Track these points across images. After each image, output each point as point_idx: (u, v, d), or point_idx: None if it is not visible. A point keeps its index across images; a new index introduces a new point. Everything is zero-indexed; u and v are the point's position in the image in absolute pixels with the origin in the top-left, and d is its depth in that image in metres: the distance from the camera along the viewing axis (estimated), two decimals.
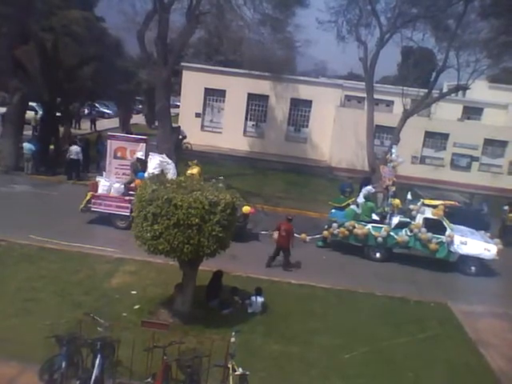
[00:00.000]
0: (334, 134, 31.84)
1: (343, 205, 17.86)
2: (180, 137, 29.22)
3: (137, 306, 11.07)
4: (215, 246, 9.98)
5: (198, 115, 33.88)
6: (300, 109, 33.86)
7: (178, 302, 10.79)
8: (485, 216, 20.11)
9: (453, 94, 29.18)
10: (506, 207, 20.69)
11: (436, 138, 31.91)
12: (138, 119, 44.96)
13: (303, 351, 10.16)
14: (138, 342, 8.08)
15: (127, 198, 16.41)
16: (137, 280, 12.58)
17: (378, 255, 16.72)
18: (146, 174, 15.71)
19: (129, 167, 17.79)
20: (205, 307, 11.26)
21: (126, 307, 10.97)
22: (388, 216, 17.12)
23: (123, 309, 10.87)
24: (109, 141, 18.50)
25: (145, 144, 18.20)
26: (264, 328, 10.88)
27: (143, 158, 17.52)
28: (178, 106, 36.55)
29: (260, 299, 11.62)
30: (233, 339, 8.18)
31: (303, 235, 17.43)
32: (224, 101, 33.77)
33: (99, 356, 7.68)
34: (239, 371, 7.96)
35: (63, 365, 7.54)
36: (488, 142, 31.49)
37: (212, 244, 9.85)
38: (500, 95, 36.01)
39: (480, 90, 35.57)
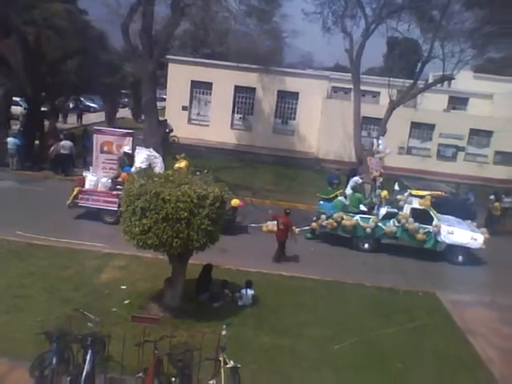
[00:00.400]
0: (321, 125, 31.89)
1: (331, 196, 17.94)
2: (167, 130, 29.06)
3: (127, 301, 11.03)
4: (204, 240, 9.97)
5: (184, 108, 33.71)
6: (287, 101, 33.83)
7: (168, 297, 10.77)
8: (471, 205, 20.35)
9: (438, 85, 29.35)
10: (492, 196, 20.96)
11: (422, 129, 32.12)
12: (124, 113, 44.60)
13: (293, 343, 10.22)
14: (128, 337, 8.05)
15: (115, 192, 16.30)
16: (126, 275, 12.53)
17: (366, 246, 16.84)
18: (133, 169, 15.62)
19: (116, 161, 17.67)
20: (195, 301, 11.26)
21: (116, 302, 10.92)
22: (376, 207, 17.25)
23: (113, 304, 10.82)
24: (95, 135, 18.33)
25: (131, 138, 18.07)
26: (254, 320, 10.91)
27: (130, 152, 17.40)
28: (164, 99, 36.30)
29: (250, 292, 11.65)
30: (224, 332, 8.20)
31: (292, 228, 17.47)
32: (211, 93, 33.64)
33: (90, 351, 7.65)
34: (231, 364, 7.97)
35: (54, 361, 7.50)
36: (474, 132, 31.79)
37: (201, 238, 9.84)
38: (485, 85, 36.28)
39: (465, 81, 35.79)
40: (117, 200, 15.75)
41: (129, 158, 17.07)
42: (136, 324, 8.31)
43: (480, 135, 31.88)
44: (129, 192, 9.87)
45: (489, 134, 31.60)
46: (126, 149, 17.59)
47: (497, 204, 20.63)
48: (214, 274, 11.96)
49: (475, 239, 16.42)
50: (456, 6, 23.55)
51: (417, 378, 9.68)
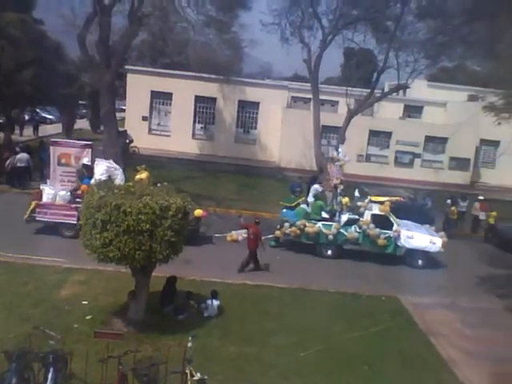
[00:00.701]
0: (282, 134, 32.19)
1: (294, 204, 18.12)
2: (127, 141, 28.62)
3: (89, 317, 10.76)
4: (168, 252, 9.87)
5: (144, 118, 33.43)
6: (248, 110, 34.06)
7: (131, 310, 10.57)
8: (429, 210, 20.93)
9: (394, 94, 30.18)
10: (449, 201, 21.64)
11: (380, 137, 32.93)
12: (82, 124, 43.68)
13: (260, 352, 10.20)
14: (91, 354, 7.85)
15: (74, 205, 15.92)
16: (87, 290, 12.22)
17: (329, 252, 17.03)
18: (92, 181, 15.32)
19: (74, 174, 17.30)
20: (160, 314, 11.09)
21: (78, 318, 10.63)
22: (337, 214, 17.51)
23: (74, 320, 10.52)
24: (52, 147, 17.88)
25: (90, 149, 17.75)
26: (220, 331, 10.85)
27: (89, 163, 17.08)
28: (123, 110, 35.86)
29: (216, 302, 11.57)
30: (189, 344, 8.11)
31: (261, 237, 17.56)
32: (171, 104, 33.51)
33: (51, 370, 7.42)
34: (197, 376, 7.89)
35: (13, 381, 7.21)
36: (429, 139, 32.82)
37: (164, 249, 9.74)
38: (438, 93, 37.56)
39: (419, 89, 36.99)
40: (76, 213, 15.37)
41: (88, 170, 16.73)
42: (99, 340, 8.11)
43: (435, 142, 32.94)
44: (88, 205, 9.68)
45: (443, 140, 32.68)
46: (85, 161, 17.25)
47: (453, 208, 21.31)
48: (178, 285, 11.82)
49: (434, 243, 16.88)
50: (409, 17, 24.37)
51: (382, 380, 9.83)
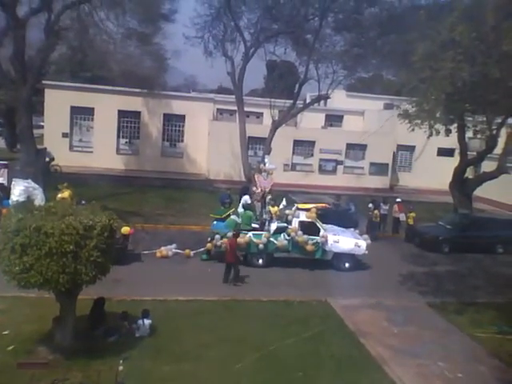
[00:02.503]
0: (209, 147, 32.28)
1: (224, 216, 18.14)
2: (47, 159, 27.53)
3: (11, 347, 10.11)
4: (94, 272, 9.58)
5: (65, 135, 32.30)
6: (174, 124, 33.88)
7: (57, 337, 10.10)
8: (353, 214, 21.75)
9: (315, 104, 31.21)
10: (371, 205, 22.60)
11: (304, 146, 33.95)
12: None
13: (195, 367, 10.10)
14: None
15: None
16: (8, 319, 11.50)
17: (260, 261, 17.21)
18: (9, 202, 14.58)
19: None
20: (89, 337, 10.66)
21: None
22: (267, 223, 17.76)
23: None
24: None
25: (6, 169, 16.93)
26: (153, 350, 10.59)
27: (5, 184, 16.25)
28: (42, 127, 34.37)
29: (147, 321, 11.31)
30: (121, 367, 7.92)
31: (187, 251, 17.44)
32: (93, 119, 32.59)
33: None
34: None
35: None
36: (350, 147, 34.30)
37: (90, 270, 9.45)
38: (357, 103, 39.40)
39: (339, 99, 38.57)
40: None
41: (4, 191, 15.90)
42: (23, 371, 7.69)
43: (355, 149, 34.47)
44: (6, 228, 9.21)
45: (363, 147, 34.22)
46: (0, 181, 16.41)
47: (376, 211, 22.27)
48: (107, 306, 11.46)
49: (359, 246, 17.53)
50: (327, 31, 25.36)
51: None
